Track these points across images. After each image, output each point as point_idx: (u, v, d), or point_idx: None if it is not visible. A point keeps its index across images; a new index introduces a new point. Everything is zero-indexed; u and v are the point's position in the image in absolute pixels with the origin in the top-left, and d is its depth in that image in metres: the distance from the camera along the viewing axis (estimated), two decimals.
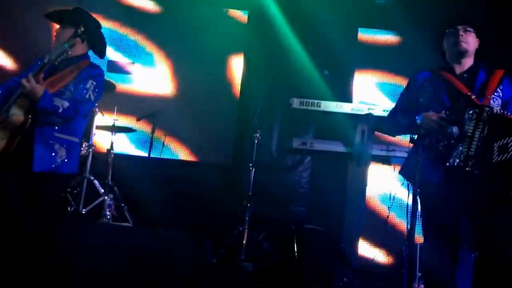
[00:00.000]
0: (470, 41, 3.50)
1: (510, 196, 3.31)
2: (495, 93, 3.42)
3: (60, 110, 3.49)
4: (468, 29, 3.50)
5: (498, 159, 3.19)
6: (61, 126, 3.60)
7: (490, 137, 3.21)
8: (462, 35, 3.48)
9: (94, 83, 3.70)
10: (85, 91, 3.65)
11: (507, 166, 3.19)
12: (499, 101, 3.43)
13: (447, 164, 3.25)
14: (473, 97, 3.35)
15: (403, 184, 5.16)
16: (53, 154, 3.55)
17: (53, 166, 3.54)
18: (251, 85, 6.83)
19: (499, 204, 3.32)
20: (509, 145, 3.18)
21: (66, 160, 3.60)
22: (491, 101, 3.38)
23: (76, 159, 3.73)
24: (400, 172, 3.64)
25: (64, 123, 3.61)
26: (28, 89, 3.36)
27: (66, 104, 3.51)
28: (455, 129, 3.24)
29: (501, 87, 3.45)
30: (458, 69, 3.54)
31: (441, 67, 3.61)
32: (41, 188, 3.55)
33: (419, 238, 3.75)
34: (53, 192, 3.70)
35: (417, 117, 3.42)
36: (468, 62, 3.54)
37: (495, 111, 3.26)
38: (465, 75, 3.51)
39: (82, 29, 3.60)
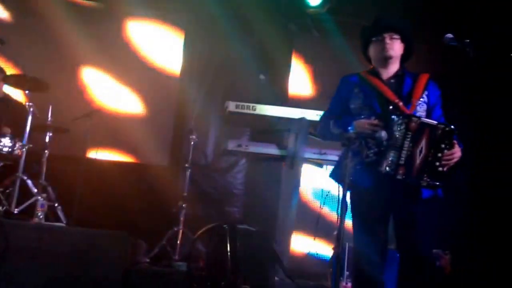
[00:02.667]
0: (396, 48, 3.56)
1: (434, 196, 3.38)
2: (421, 99, 3.48)
3: None
4: (394, 36, 3.55)
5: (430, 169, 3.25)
6: None
7: (418, 146, 3.26)
8: (388, 43, 3.53)
9: None
10: None
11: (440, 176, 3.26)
12: (425, 106, 3.50)
13: (379, 170, 3.28)
14: (400, 104, 3.40)
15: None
16: None
17: None
18: (189, 87, 6.91)
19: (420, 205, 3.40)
20: (439, 155, 3.24)
21: None
22: (417, 107, 3.44)
23: None
24: (330, 175, 3.66)
25: None
26: None
27: None
28: (383, 134, 3.27)
29: (426, 92, 3.52)
30: (385, 75, 3.58)
31: (368, 71, 3.65)
32: None
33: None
34: None
35: (349, 128, 3.44)
36: (394, 67, 3.60)
37: (424, 121, 3.29)
38: (392, 81, 3.57)
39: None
